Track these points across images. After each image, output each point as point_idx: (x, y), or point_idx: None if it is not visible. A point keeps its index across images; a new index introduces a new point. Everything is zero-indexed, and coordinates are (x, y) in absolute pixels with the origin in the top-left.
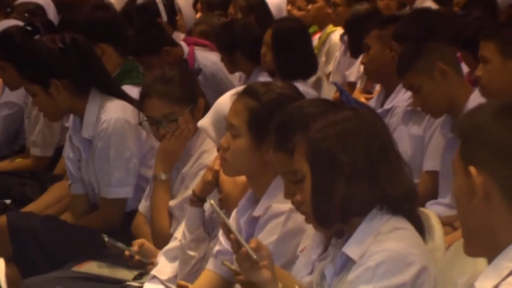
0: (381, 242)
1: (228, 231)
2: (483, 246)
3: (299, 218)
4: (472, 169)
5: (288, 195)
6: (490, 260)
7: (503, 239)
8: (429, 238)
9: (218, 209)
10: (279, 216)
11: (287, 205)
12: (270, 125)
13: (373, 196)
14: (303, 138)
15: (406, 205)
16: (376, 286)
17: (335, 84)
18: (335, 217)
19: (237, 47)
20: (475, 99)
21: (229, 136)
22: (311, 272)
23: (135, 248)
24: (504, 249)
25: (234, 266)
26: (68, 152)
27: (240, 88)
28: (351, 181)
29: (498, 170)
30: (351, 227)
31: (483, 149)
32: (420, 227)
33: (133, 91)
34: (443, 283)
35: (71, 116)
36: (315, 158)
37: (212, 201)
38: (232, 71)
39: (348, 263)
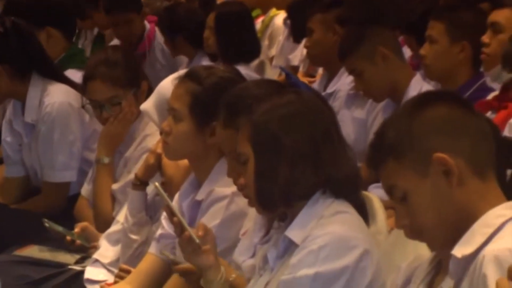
0: (324, 225)
1: (171, 214)
2: (451, 233)
3: (241, 201)
4: (439, 155)
5: (231, 174)
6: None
7: (477, 214)
8: (371, 221)
9: (162, 191)
10: (222, 200)
11: (229, 189)
12: (218, 103)
13: (316, 180)
14: (247, 121)
15: (349, 189)
16: (319, 270)
17: (281, 68)
18: (278, 200)
19: (180, 30)
20: (417, 83)
21: (171, 120)
22: (253, 256)
23: (77, 230)
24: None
25: (172, 256)
26: (5, 136)
27: (182, 72)
28: (294, 165)
29: (455, 147)
30: (294, 211)
31: (432, 140)
32: (363, 210)
33: (77, 75)
34: (386, 266)
35: (12, 101)
36: (259, 141)
37: (156, 183)
38: (174, 54)
39: (290, 246)
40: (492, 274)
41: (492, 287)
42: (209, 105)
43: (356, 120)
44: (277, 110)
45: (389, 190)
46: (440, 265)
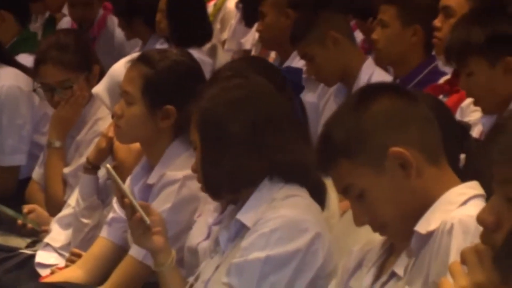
0: (275, 208)
1: (122, 196)
2: (413, 218)
3: (193, 185)
4: (395, 149)
5: None
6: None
7: (437, 198)
8: (326, 204)
9: (113, 173)
10: (173, 184)
11: (181, 173)
12: (171, 87)
13: (262, 167)
14: (195, 107)
15: (299, 173)
16: (270, 253)
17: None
18: (225, 188)
19: (135, 13)
20: (368, 67)
21: (123, 103)
22: (207, 237)
23: (24, 211)
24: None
25: None
26: None
27: (135, 55)
28: (239, 152)
29: (406, 138)
30: (243, 196)
31: (382, 135)
32: (319, 193)
33: (30, 59)
34: (338, 250)
35: None
36: (204, 128)
37: (108, 166)
38: (129, 37)
39: (242, 229)
40: (457, 236)
41: (455, 249)
42: (162, 88)
43: (308, 104)
44: (223, 95)
45: (344, 190)
46: (392, 248)
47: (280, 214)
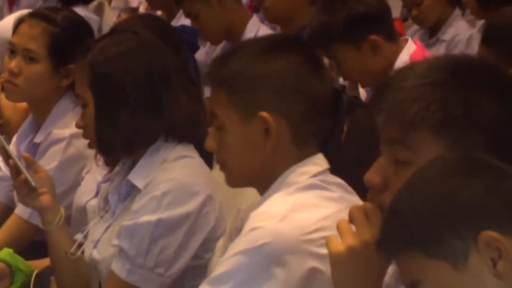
0: (166, 171)
1: (7, 157)
2: (253, 181)
3: (80, 143)
4: (264, 115)
5: None
6: (261, 188)
7: (280, 170)
8: (214, 164)
9: None
10: (60, 142)
11: (68, 131)
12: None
13: (157, 127)
14: (84, 62)
15: (191, 132)
16: (161, 216)
17: None
18: (119, 147)
19: None
20: (253, 25)
21: (21, 61)
22: (96, 195)
23: None
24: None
25: None
26: None
27: (23, 12)
28: (135, 110)
29: (285, 110)
30: (136, 156)
31: (261, 92)
32: (207, 152)
33: None
34: (228, 209)
35: None
36: (96, 83)
37: None
38: None
39: (133, 191)
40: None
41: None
42: (68, 46)
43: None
44: (114, 49)
45: (211, 115)
46: None
47: (171, 176)
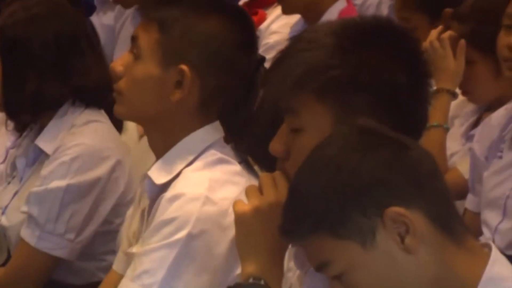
0: (75, 135)
1: None
2: (143, 123)
3: None
4: (185, 68)
5: None
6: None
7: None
8: (124, 129)
9: None
10: None
11: None
12: None
13: (65, 90)
14: None
15: (100, 97)
16: (70, 181)
17: None
18: (25, 109)
19: None
20: None
21: None
22: (4, 160)
23: None
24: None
25: None
26: None
27: None
28: (42, 73)
29: (203, 69)
30: (43, 120)
31: (192, 48)
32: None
33: None
34: (137, 173)
35: None
36: (4, 47)
37: None
38: None
39: (41, 156)
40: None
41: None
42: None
43: (105, 27)
44: (22, 13)
45: (132, 39)
46: None
47: (80, 141)
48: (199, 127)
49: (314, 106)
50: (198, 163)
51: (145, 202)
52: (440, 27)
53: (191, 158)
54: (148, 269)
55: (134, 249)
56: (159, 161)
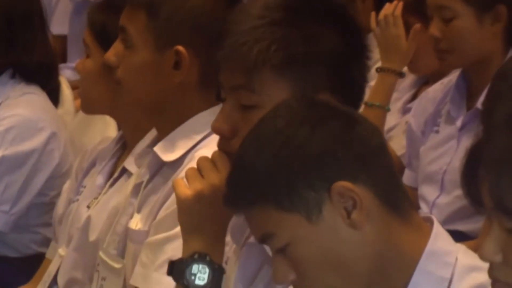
0: (9, 106)
1: None
2: (147, 109)
3: None
4: (181, 48)
5: None
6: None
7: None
8: (60, 102)
9: None
10: None
11: None
12: None
13: (5, 61)
14: None
15: (42, 75)
16: (5, 153)
17: None
18: None
19: None
20: None
21: None
22: None
23: None
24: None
25: None
26: None
27: None
28: None
29: (200, 47)
30: None
31: (183, 27)
32: (54, 93)
33: None
34: (73, 148)
35: None
36: None
37: None
38: None
39: None
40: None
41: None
42: None
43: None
44: None
45: (120, 30)
46: (125, 145)
47: (15, 112)
48: (205, 108)
49: (273, 82)
50: (206, 144)
51: (145, 177)
52: (399, 4)
53: (198, 138)
54: (172, 257)
55: (137, 227)
56: (165, 139)
